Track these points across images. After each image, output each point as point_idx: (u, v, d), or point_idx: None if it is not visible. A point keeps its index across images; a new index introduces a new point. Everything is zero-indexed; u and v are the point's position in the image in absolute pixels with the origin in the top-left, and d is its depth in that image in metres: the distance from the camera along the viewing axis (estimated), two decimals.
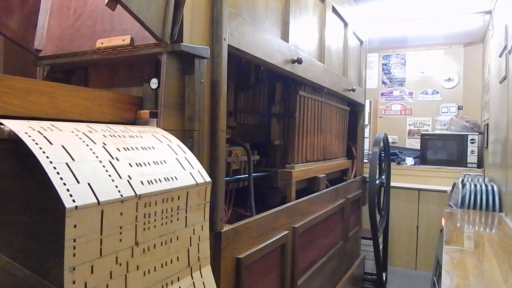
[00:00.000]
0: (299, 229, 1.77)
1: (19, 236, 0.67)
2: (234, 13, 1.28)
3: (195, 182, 0.90)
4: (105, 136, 0.77)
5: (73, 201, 0.60)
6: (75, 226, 0.60)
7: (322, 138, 2.35)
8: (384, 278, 3.40)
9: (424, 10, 3.75)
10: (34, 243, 0.69)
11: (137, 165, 0.77)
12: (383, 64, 5.32)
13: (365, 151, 3.61)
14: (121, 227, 0.69)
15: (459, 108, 4.89)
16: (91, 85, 1.26)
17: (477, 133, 4.28)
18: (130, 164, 0.75)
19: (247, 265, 1.31)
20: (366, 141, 4.35)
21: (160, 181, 0.80)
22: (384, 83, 5.32)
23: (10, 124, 0.64)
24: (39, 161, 0.60)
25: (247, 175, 1.61)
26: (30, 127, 0.66)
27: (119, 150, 0.76)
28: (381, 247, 3.42)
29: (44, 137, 0.65)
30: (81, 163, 0.66)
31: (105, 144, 0.74)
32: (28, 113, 0.78)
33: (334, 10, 2.35)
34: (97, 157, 0.70)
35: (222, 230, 1.20)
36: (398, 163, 4.64)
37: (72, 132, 0.72)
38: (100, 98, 0.95)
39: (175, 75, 1.04)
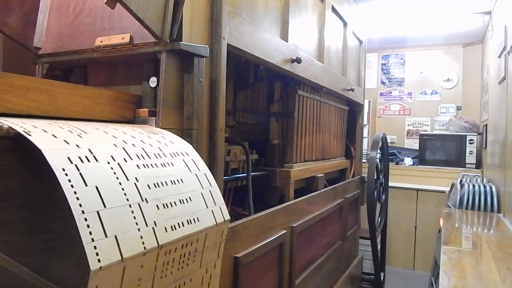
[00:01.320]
0: (297, 228, 1.77)
1: (17, 233, 0.67)
2: (234, 12, 1.28)
3: (215, 223, 0.88)
4: (138, 167, 0.75)
5: (99, 260, 0.58)
6: (96, 287, 0.58)
7: (321, 137, 2.35)
8: (382, 278, 3.41)
9: (424, 10, 3.76)
10: (32, 240, 0.69)
11: (164, 207, 0.75)
12: (382, 64, 5.32)
13: (363, 151, 3.61)
14: (139, 279, 0.68)
15: (458, 108, 4.89)
16: (90, 83, 1.26)
17: (476, 134, 4.29)
18: (157, 206, 0.74)
19: (245, 264, 1.31)
20: (365, 141, 4.34)
21: (183, 224, 0.78)
22: (383, 83, 5.32)
23: (47, 150, 0.61)
24: (70, 209, 0.58)
25: (246, 174, 1.61)
26: (68, 157, 0.63)
27: (149, 188, 0.74)
28: (379, 247, 3.42)
29: (80, 174, 0.62)
30: (111, 210, 0.64)
31: (137, 181, 0.72)
32: (27, 111, 0.78)
33: (333, 9, 2.35)
34: (127, 199, 0.68)
35: None
36: (397, 163, 4.65)
37: (108, 163, 0.69)
38: (99, 96, 0.95)
39: (174, 73, 1.04)
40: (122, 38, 1.06)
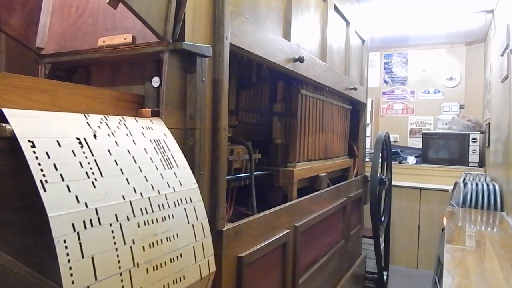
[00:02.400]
0: (300, 227, 1.77)
1: (20, 234, 0.67)
2: (236, 12, 1.28)
3: (199, 278, 0.89)
4: (138, 226, 0.75)
5: None
6: None
7: (324, 137, 2.35)
8: (385, 277, 3.40)
9: (426, 9, 3.75)
10: (35, 241, 0.69)
11: (154, 269, 0.76)
12: (384, 63, 5.31)
13: (366, 150, 3.60)
14: None
15: (461, 107, 4.88)
16: (93, 84, 1.26)
17: (479, 132, 4.27)
18: (147, 270, 0.75)
19: (248, 263, 1.31)
20: (368, 140, 4.34)
21: (169, 285, 0.79)
22: (385, 82, 5.31)
23: (53, 217, 0.62)
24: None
25: (249, 174, 1.61)
26: (73, 223, 0.63)
27: (143, 250, 0.75)
28: (382, 246, 3.42)
29: (80, 244, 0.63)
30: (101, 283, 0.65)
31: (133, 243, 0.73)
32: None
33: (336, 8, 2.35)
34: (120, 267, 0.69)
35: (224, 229, 1.20)
36: (400, 162, 4.64)
37: (111, 225, 0.70)
38: (102, 97, 0.95)
39: (177, 73, 1.04)
40: (125, 38, 1.06)
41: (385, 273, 3.41)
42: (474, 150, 4.25)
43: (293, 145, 1.95)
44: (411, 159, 4.71)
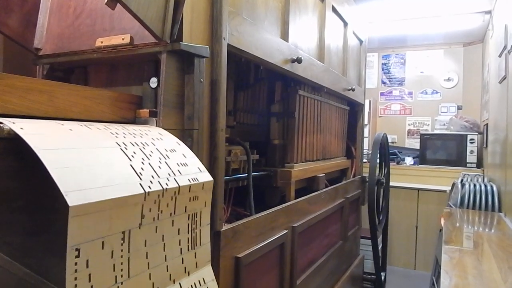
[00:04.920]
0: (298, 228, 1.77)
1: (18, 235, 0.67)
2: (234, 12, 1.28)
3: None
4: None
5: None
6: None
7: (322, 137, 2.35)
8: (383, 278, 3.40)
9: (424, 10, 3.76)
10: (33, 242, 0.69)
11: None
12: (382, 64, 5.32)
13: (364, 150, 3.61)
14: None
15: (459, 108, 4.89)
16: (91, 84, 1.26)
17: (477, 133, 4.28)
18: None
19: (246, 264, 1.31)
20: (366, 140, 4.34)
21: None
22: (383, 82, 5.32)
23: None
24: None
25: (247, 175, 1.61)
26: None
27: None
28: (380, 246, 3.42)
29: None
30: None
31: None
32: (27, 112, 0.78)
33: (334, 9, 2.35)
34: None
35: (221, 230, 1.20)
36: (398, 163, 4.64)
37: None
38: (100, 97, 0.95)
39: (174, 74, 1.04)
40: (123, 39, 1.06)
41: (382, 274, 3.41)
42: (472, 151, 4.26)
43: (291, 146, 1.95)
44: (409, 160, 4.72)
